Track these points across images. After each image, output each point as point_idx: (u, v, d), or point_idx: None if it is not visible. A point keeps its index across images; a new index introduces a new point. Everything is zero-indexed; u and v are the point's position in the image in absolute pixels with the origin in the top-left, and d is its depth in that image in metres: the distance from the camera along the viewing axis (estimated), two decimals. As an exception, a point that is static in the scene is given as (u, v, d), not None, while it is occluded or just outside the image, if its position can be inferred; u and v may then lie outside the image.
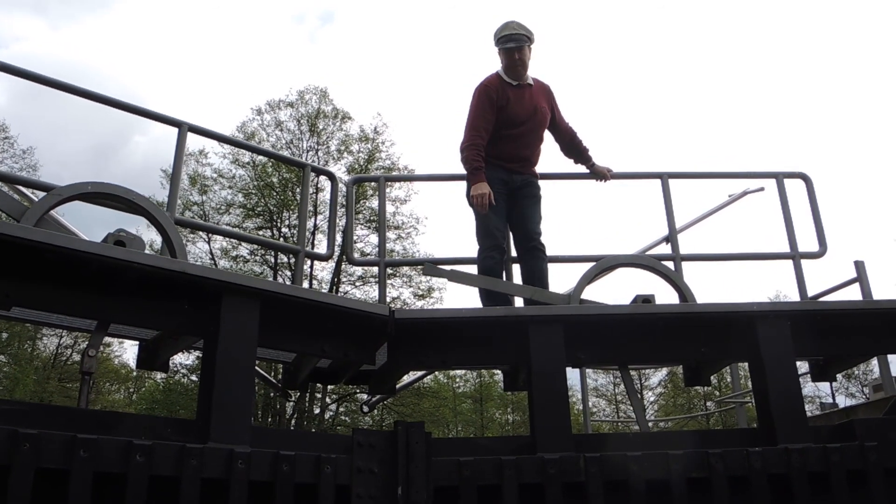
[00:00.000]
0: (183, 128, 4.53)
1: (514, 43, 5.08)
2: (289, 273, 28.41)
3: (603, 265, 4.41)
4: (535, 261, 5.06)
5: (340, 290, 28.49)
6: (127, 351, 38.28)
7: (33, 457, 2.62)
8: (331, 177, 5.17)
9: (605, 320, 4.05)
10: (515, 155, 5.15)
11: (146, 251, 3.27)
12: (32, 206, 3.11)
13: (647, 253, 5.59)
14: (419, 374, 5.39)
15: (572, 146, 5.51)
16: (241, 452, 3.01)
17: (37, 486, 2.61)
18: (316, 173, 5.42)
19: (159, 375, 29.24)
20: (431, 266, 4.51)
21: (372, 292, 29.05)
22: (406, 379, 5.09)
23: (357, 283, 29.71)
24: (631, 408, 38.75)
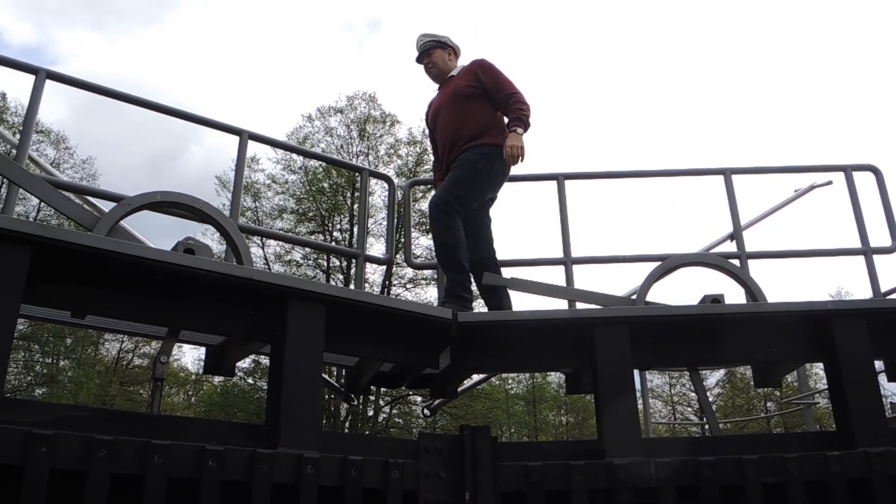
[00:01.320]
0: (243, 136, 4.59)
1: (417, 57, 5.29)
2: (341, 277, 28.67)
3: (668, 265, 4.32)
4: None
5: (392, 292, 28.64)
6: (185, 355, 39.05)
7: (108, 463, 2.65)
8: (388, 181, 5.18)
9: (673, 321, 3.96)
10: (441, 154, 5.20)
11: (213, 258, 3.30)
12: (104, 216, 3.16)
13: (712, 251, 5.47)
14: (480, 377, 5.35)
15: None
16: (310, 457, 3.01)
17: (111, 492, 2.64)
18: (373, 177, 5.41)
19: (217, 378, 29.77)
20: (491, 275, 4.48)
21: (423, 294, 29.14)
22: (467, 382, 5.06)
23: (407, 286, 29.83)
24: (688, 409, 38.19)
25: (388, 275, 27.24)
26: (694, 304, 4.09)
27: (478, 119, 4.99)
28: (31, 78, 4.16)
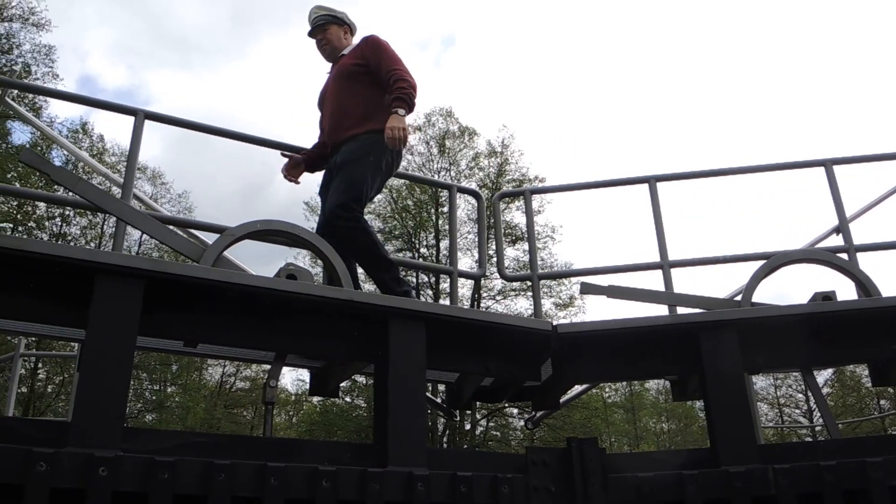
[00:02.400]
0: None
1: (310, 31, 4.98)
2: (430, 293, 28.86)
3: (773, 263, 4.16)
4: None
5: (482, 305, 28.65)
6: (285, 376, 40.09)
7: (227, 486, 2.73)
8: (477, 196, 5.18)
9: (783, 321, 3.80)
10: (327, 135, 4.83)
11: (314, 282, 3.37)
12: (210, 247, 3.28)
13: (817, 246, 5.24)
14: (582, 387, 5.27)
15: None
16: (419, 475, 3.02)
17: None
18: (461, 193, 5.41)
19: (316, 399, 30.36)
20: (589, 284, 4.41)
21: (514, 306, 29.04)
22: (569, 393, 5.00)
23: (497, 298, 29.80)
24: (796, 412, 36.64)
25: (476, 288, 27.29)
26: (804, 303, 3.93)
27: (363, 101, 4.65)
28: (129, 119, 4.37)
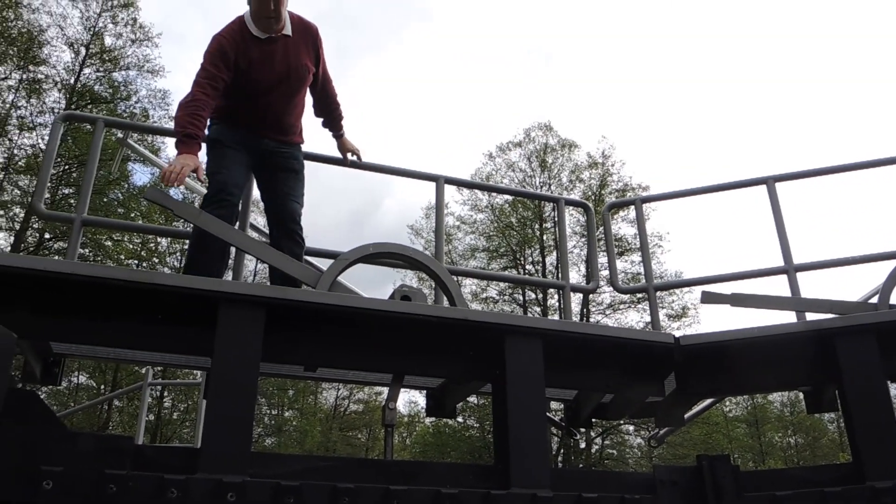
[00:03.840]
0: (440, 181, 4.70)
1: None
2: (538, 309, 28.63)
3: (913, 262, 3.87)
4: (295, 246, 4.21)
5: (591, 319, 28.18)
6: (399, 398, 40.62)
7: (352, 510, 2.73)
8: (585, 207, 5.07)
9: (929, 324, 3.52)
10: (263, 121, 4.23)
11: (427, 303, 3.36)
12: (325, 272, 3.33)
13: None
14: (708, 401, 5.05)
15: (328, 107, 4.61)
16: (544, 497, 2.94)
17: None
18: (569, 206, 5.32)
19: (429, 419, 30.59)
20: (710, 293, 4.22)
21: (625, 319, 28.44)
22: (695, 408, 4.80)
23: (607, 312, 29.26)
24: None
25: (585, 302, 26.89)
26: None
27: (301, 108, 4.41)
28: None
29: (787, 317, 4.50)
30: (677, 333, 3.83)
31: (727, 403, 35.14)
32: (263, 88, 4.12)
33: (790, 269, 4.63)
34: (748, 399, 36.16)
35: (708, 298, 4.16)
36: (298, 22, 4.21)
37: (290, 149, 4.37)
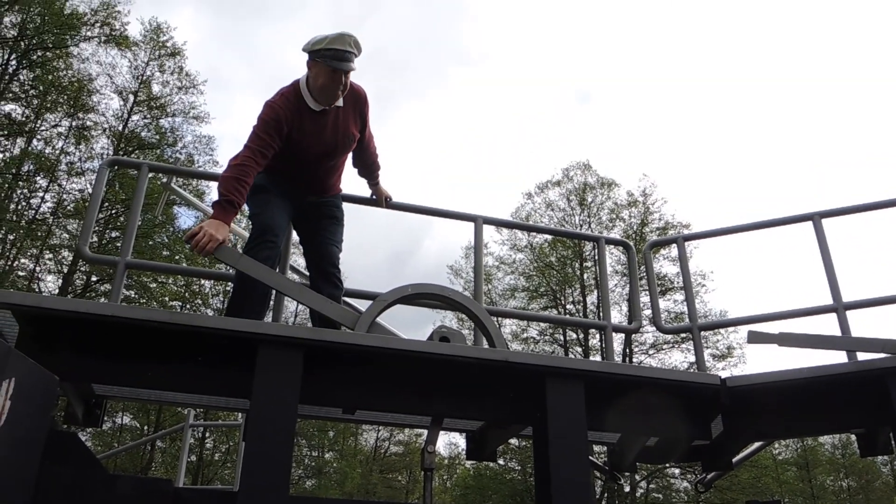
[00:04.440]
0: (478, 221, 4.68)
1: (346, 64, 3.98)
2: (579, 350, 28.29)
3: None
4: (334, 289, 4.19)
5: (634, 360, 27.75)
6: (439, 440, 40.28)
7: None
8: (626, 246, 4.99)
9: None
10: (307, 183, 4.28)
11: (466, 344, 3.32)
12: (363, 314, 3.31)
13: None
14: (757, 444, 4.90)
15: (367, 162, 4.61)
16: (588, 544, 2.86)
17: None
18: (609, 244, 5.25)
19: (469, 462, 30.21)
20: (757, 332, 4.11)
21: (668, 360, 27.94)
22: (742, 451, 4.65)
23: (650, 352, 28.78)
24: None
25: (627, 342, 26.50)
26: None
27: (343, 166, 4.47)
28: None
29: (838, 357, 4.36)
30: (723, 374, 3.73)
31: (776, 446, 34.14)
32: (311, 157, 4.15)
33: (839, 307, 4.49)
34: (798, 441, 35.07)
35: (754, 338, 4.05)
36: (349, 89, 4.18)
37: (331, 199, 4.42)
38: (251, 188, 3.91)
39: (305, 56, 4.06)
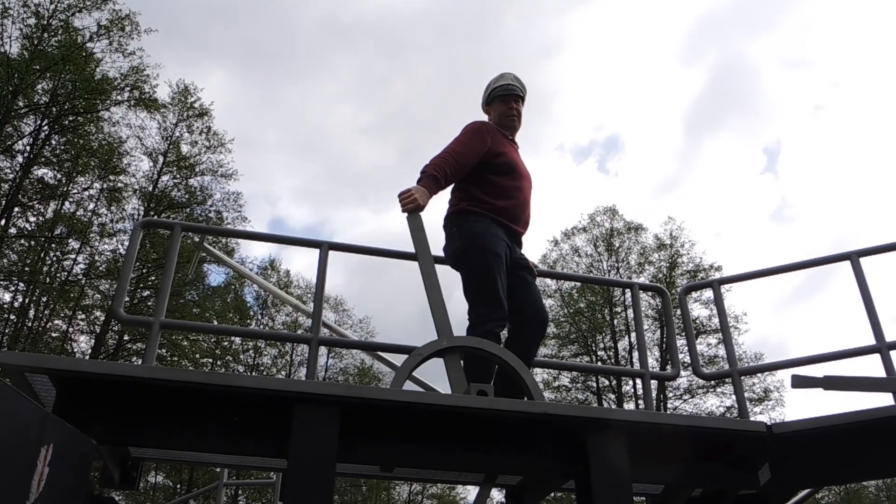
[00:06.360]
0: (323, 247, 4.59)
1: (516, 93, 4.38)
2: (613, 397, 27.85)
3: None
4: (537, 347, 4.12)
5: (668, 406, 27.24)
6: (470, 493, 39.56)
7: None
8: (661, 292, 4.92)
9: None
10: (516, 214, 4.18)
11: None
12: (399, 369, 3.29)
13: None
14: (804, 492, 4.74)
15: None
16: None
17: None
18: (644, 290, 5.19)
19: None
20: (800, 377, 3.99)
21: (703, 405, 27.37)
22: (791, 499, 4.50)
23: (684, 397, 28.25)
24: None
25: (661, 388, 26.04)
26: None
27: None
28: (313, 252, 4.55)
29: (884, 399, 4.22)
30: (767, 420, 3.63)
31: (821, 490, 33.15)
32: (517, 176, 4.25)
33: (882, 348, 4.36)
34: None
35: (798, 383, 3.94)
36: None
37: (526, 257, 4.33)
38: (484, 234, 3.97)
39: (473, 117, 4.39)
